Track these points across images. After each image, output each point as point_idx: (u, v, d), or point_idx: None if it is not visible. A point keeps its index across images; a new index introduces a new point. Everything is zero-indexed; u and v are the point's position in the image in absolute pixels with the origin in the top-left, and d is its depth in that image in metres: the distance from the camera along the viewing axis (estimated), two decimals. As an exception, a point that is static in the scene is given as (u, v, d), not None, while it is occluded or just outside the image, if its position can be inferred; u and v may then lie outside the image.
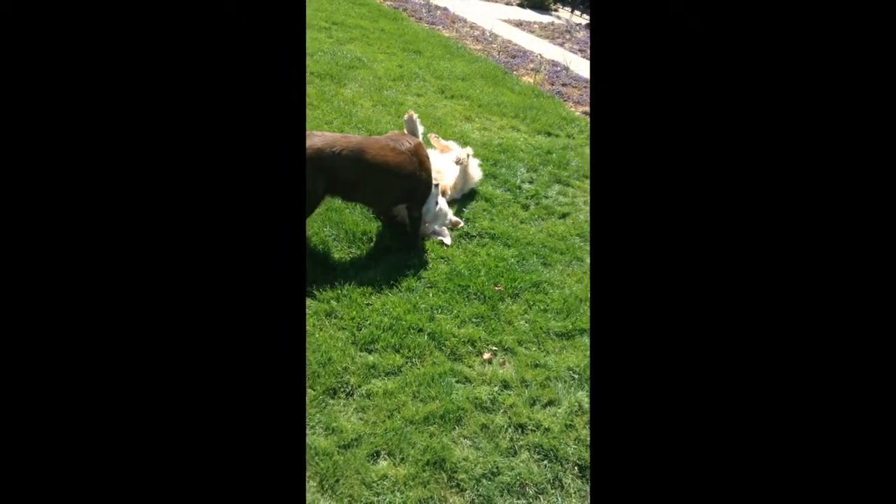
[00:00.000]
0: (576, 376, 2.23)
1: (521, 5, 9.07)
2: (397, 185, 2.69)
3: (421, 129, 2.96)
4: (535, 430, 2.00)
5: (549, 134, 4.40)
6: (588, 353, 2.36)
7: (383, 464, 1.81)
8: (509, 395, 2.12)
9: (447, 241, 2.89)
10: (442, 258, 2.80)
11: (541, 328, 2.46)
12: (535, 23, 8.15)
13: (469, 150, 3.32)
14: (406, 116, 2.89)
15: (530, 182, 3.65)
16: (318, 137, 2.55)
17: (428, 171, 2.79)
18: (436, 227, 2.91)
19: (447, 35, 6.59)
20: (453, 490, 1.77)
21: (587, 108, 5.16)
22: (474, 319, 2.45)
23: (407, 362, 2.18)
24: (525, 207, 3.38)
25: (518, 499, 1.79)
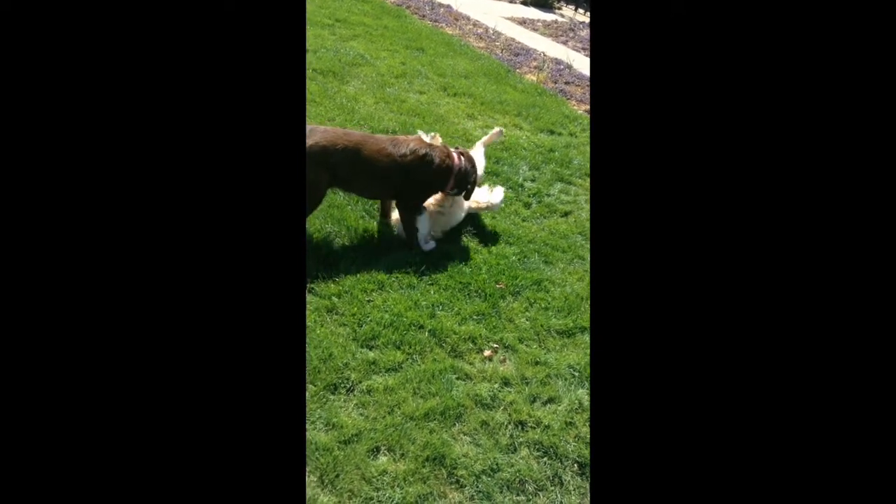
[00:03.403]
0: (576, 374, 2.24)
1: (524, 3, 9.05)
2: (382, 185, 2.74)
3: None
4: (534, 428, 2.00)
5: (551, 132, 4.40)
6: (588, 350, 2.36)
7: (383, 459, 1.81)
8: (509, 392, 2.13)
9: (425, 247, 2.83)
10: (443, 255, 2.80)
11: (542, 326, 2.46)
12: (538, 21, 8.13)
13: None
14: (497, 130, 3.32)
15: (532, 180, 3.64)
16: (320, 134, 2.55)
17: (421, 176, 2.72)
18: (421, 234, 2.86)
19: (450, 32, 6.59)
20: (453, 486, 1.78)
21: (590, 107, 5.15)
22: (475, 317, 2.45)
23: (407, 359, 2.19)
24: (527, 205, 3.38)
25: (517, 495, 1.79)
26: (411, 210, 2.76)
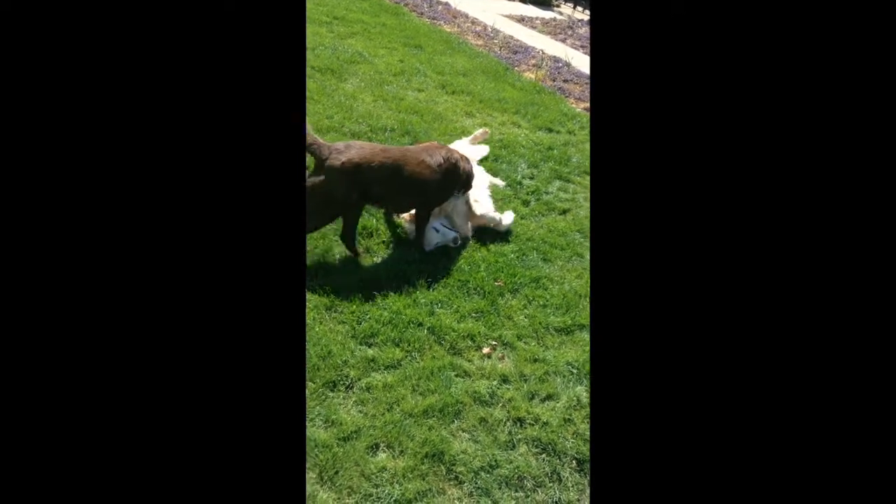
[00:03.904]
0: (574, 371, 2.24)
1: (522, 1, 9.03)
2: (420, 198, 2.72)
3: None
4: (533, 424, 2.01)
5: (550, 130, 4.40)
6: (587, 348, 2.37)
7: (382, 456, 1.82)
8: (508, 389, 2.14)
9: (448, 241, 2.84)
10: (442, 253, 2.81)
11: (540, 323, 2.46)
12: (536, 18, 8.12)
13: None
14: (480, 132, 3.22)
15: (531, 178, 3.65)
16: (355, 150, 2.47)
17: (450, 182, 2.75)
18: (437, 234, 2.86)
19: (448, 30, 6.58)
20: (452, 482, 1.79)
21: (588, 105, 5.15)
22: (474, 314, 2.45)
23: (406, 356, 2.19)
24: (525, 203, 3.38)
25: (516, 492, 1.80)
26: (428, 214, 2.78)
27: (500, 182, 3.48)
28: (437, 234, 2.79)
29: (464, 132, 4.01)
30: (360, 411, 1.95)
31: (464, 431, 1.95)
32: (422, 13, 7.04)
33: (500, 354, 2.29)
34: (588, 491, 1.85)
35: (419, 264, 2.68)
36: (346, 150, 2.47)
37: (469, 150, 3.39)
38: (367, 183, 2.49)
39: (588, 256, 2.97)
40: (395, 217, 2.98)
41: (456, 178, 2.77)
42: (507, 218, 3.05)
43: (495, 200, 3.29)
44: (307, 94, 4.04)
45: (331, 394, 1.99)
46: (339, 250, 2.68)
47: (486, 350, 2.29)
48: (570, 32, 7.67)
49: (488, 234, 3.02)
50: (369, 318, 2.32)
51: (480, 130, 3.56)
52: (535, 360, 2.27)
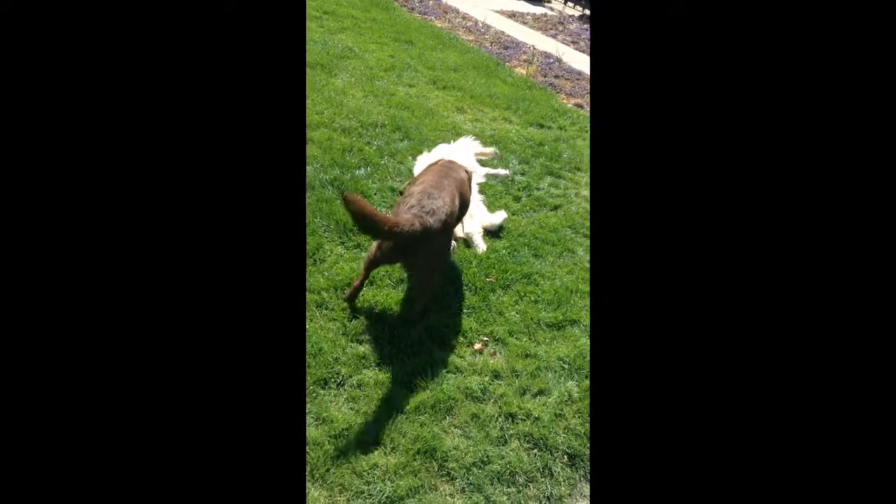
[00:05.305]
0: (566, 366, 2.25)
1: (513, -4, 9.01)
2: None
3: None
4: (525, 420, 2.01)
5: (541, 126, 4.40)
6: (578, 343, 2.37)
7: (374, 453, 1.81)
8: (500, 384, 2.14)
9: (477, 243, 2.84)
10: (433, 249, 2.80)
11: (531, 319, 2.47)
12: (528, 14, 8.11)
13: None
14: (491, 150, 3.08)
15: (522, 174, 3.65)
16: (439, 204, 2.24)
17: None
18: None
19: (439, 25, 6.55)
20: (443, 479, 1.79)
21: (579, 100, 5.16)
22: (465, 310, 2.45)
23: (398, 352, 2.19)
24: (517, 199, 3.38)
25: (508, 487, 1.80)
26: None
27: (503, 172, 3.44)
28: None
29: (454, 128, 4.00)
30: (352, 408, 1.94)
31: (455, 427, 1.95)
32: (412, 8, 7.00)
33: (491, 350, 2.29)
34: (579, 485, 1.86)
35: (410, 260, 2.67)
36: (434, 212, 2.20)
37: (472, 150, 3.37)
38: (452, 224, 2.40)
39: (579, 252, 2.98)
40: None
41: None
42: (499, 217, 3.05)
43: (487, 196, 3.29)
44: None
45: (322, 391, 1.99)
46: (329, 247, 2.67)
47: (477, 346, 2.29)
48: (561, 28, 7.67)
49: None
50: (360, 314, 2.31)
51: (491, 149, 3.47)
52: (527, 356, 2.28)
